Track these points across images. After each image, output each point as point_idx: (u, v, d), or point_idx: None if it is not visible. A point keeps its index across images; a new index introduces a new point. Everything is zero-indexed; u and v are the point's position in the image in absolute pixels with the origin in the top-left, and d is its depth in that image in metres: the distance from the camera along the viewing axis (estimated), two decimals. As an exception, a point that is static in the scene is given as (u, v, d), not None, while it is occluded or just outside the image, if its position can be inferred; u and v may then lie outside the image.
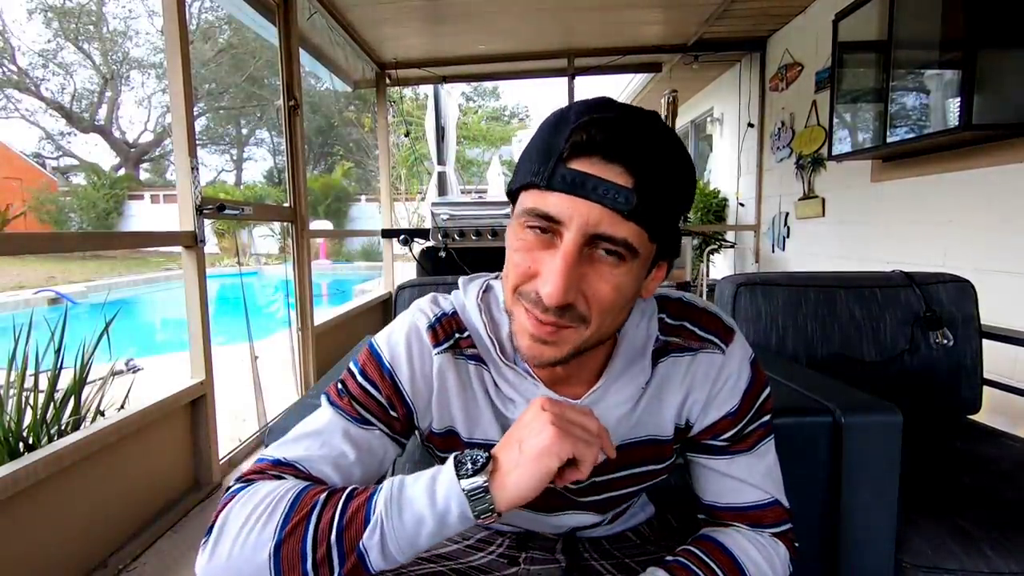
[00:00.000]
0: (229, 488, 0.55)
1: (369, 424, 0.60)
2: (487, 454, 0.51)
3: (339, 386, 0.63)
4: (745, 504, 0.65)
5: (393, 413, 0.61)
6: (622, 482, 0.66)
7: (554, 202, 0.49)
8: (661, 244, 0.53)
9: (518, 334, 0.55)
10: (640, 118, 0.50)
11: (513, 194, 0.55)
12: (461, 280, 0.69)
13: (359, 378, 0.62)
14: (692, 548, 0.63)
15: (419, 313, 0.64)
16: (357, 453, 0.58)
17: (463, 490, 0.49)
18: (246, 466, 0.63)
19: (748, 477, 0.65)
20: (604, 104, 0.51)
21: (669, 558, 0.62)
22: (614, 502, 0.68)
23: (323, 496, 0.51)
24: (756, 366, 0.66)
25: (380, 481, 0.54)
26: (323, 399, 0.63)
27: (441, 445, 0.65)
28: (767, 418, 0.66)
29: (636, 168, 0.47)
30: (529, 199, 0.51)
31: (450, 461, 0.51)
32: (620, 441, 0.63)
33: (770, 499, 0.65)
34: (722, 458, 0.65)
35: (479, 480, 0.49)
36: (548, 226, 0.50)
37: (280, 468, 0.56)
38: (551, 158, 0.49)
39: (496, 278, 0.67)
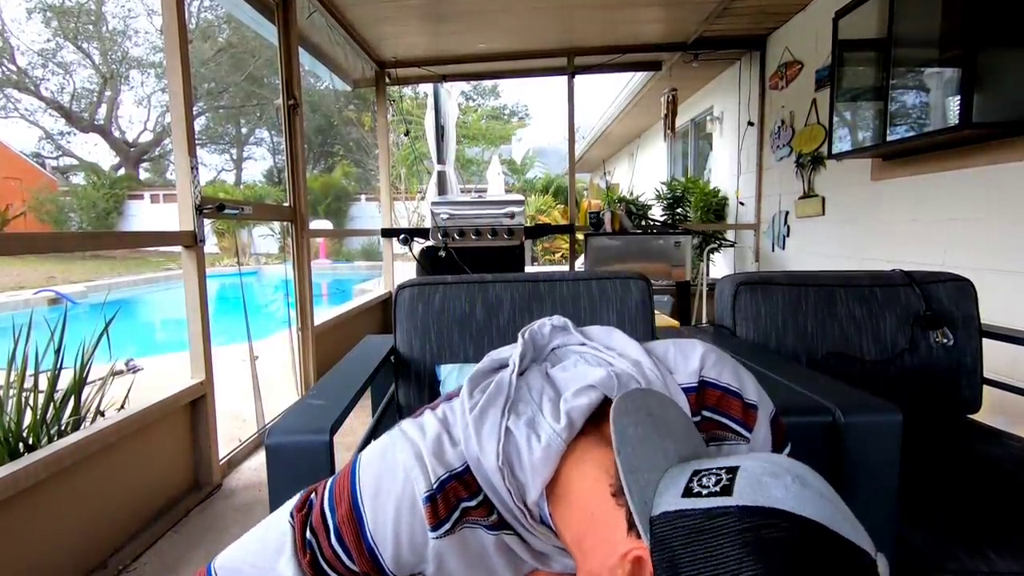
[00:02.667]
0: None
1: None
2: None
3: (308, 534, 0.53)
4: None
5: None
6: None
7: None
8: None
9: None
10: None
11: (630, 524, 0.44)
12: (468, 415, 0.55)
13: (332, 540, 0.52)
14: None
15: (417, 472, 0.52)
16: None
17: None
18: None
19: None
20: None
21: None
22: None
23: None
24: (776, 422, 0.64)
25: None
26: (287, 531, 0.54)
27: None
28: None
29: None
30: None
31: None
32: None
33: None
34: None
35: None
36: None
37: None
38: None
39: (511, 407, 0.56)
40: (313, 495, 0.56)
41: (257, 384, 2.54)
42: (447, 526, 0.51)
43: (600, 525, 0.47)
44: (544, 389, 0.58)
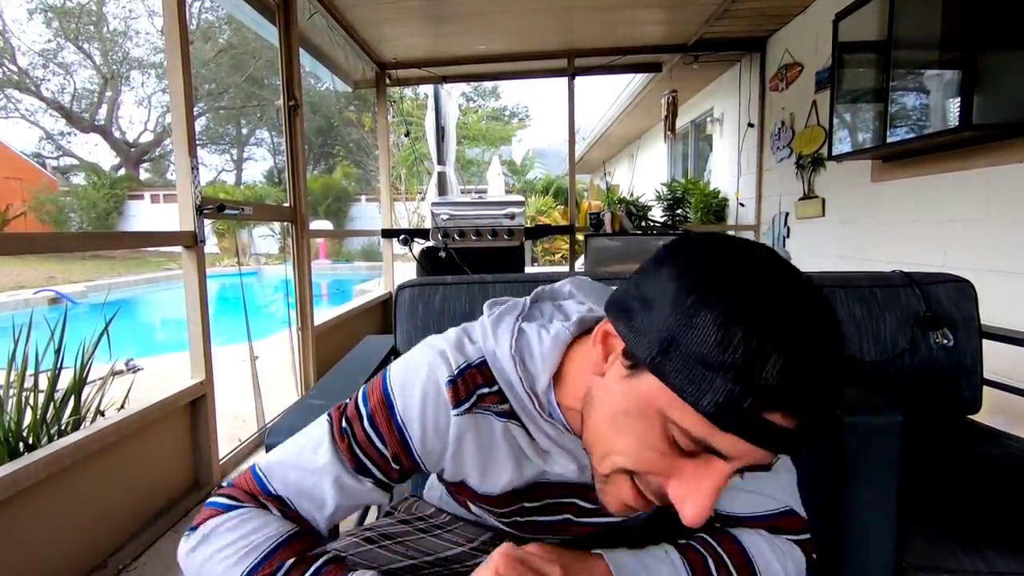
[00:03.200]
0: (221, 489, 0.59)
1: (365, 474, 0.58)
2: None
3: (343, 423, 0.59)
4: (758, 513, 0.64)
5: (395, 466, 0.59)
6: (647, 522, 0.68)
7: (727, 444, 0.43)
8: None
9: (610, 498, 0.52)
10: (838, 345, 0.45)
11: (637, 362, 0.47)
12: (486, 320, 0.61)
13: (366, 424, 0.58)
14: (706, 536, 0.62)
15: (440, 362, 0.58)
16: (342, 501, 0.58)
17: None
18: (246, 467, 0.63)
19: (761, 489, 0.63)
20: (812, 325, 0.43)
21: (682, 541, 0.62)
22: (618, 520, 0.68)
23: (291, 562, 0.54)
24: None
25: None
26: (325, 426, 0.60)
27: (451, 487, 0.66)
28: None
29: (809, 417, 0.43)
30: (692, 422, 0.44)
31: None
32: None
33: (784, 508, 0.64)
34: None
35: None
36: (699, 449, 0.45)
37: (269, 500, 0.58)
38: (741, 404, 0.41)
39: (524, 316, 0.62)
40: (347, 400, 0.62)
41: (257, 384, 2.54)
42: (466, 406, 0.57)
43: (600, 384, 0.52)
44: (555, 313, 0.63)
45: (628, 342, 0.47)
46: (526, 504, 0.64)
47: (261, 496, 0.58)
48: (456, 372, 0.57)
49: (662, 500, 0.48)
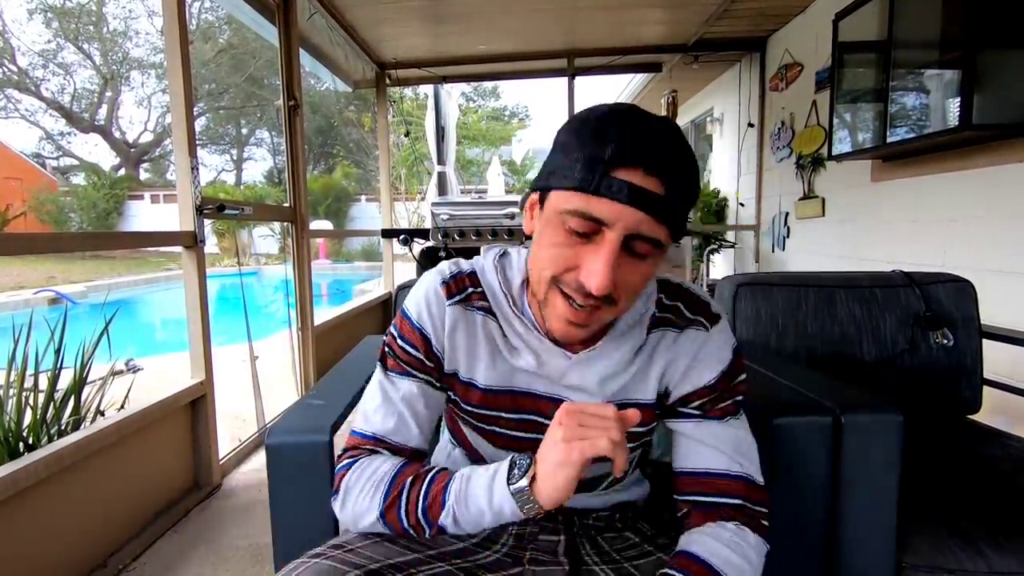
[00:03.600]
0: (339, 457, 0.73)
1: (415, 377, 0.73)
2: (530, 460, 0.61)
3: (386, 351, 0.75)
4: (710, 470, 0.70)
5: (429, 364, 0.73)
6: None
7: (600, 208, 0.56)
8: (676, 235, 0.62)
9: (552, 318, 0.64)
10: (668, 132, 0.58)
11: (545, 189, 0.62)
12: (482, 248, 0.78)
13: (399, 340, 0.73)
14: (668, 572, 0.64)
15: (436, 273, 0.75)
16: (417, 409, 0.73)
17: (512, 494, 0.60)
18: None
19: (715, 443, 0.70)
20: (629, 114, 0.58)
21: None
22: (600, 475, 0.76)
23: (409, 480, 0.67)
24: (737, 353, 0.73)
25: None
26: (377, 367, 0.75)
27: (450, 384, 0.75)
28: (740, 398, 0.73)
29: (668, 180, 0.56)
30: (572, 201, 0.57)
31: (505, 465, 0.63)
32: (610, 398, 0.70)
33: (739, 472, 0.69)
34: (691, 422, 0.72)
35: (523, 484, 0.60)
36: (590, 227, 0.57)
37: (375, 443, 0.73)
38: (596, 167, 0.56)
39: (511, 247, 0.77)
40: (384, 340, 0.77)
41: (257, 384, 2.54)
42: (457, 298, 0.72)
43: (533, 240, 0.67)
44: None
45: (535, 187, 0.64)
46: (503, 415, 0.73)
47: (367, 445, 0.72)
48: (448, 276, 0.74)
49: (583, 294, 0.59)
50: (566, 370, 0.69)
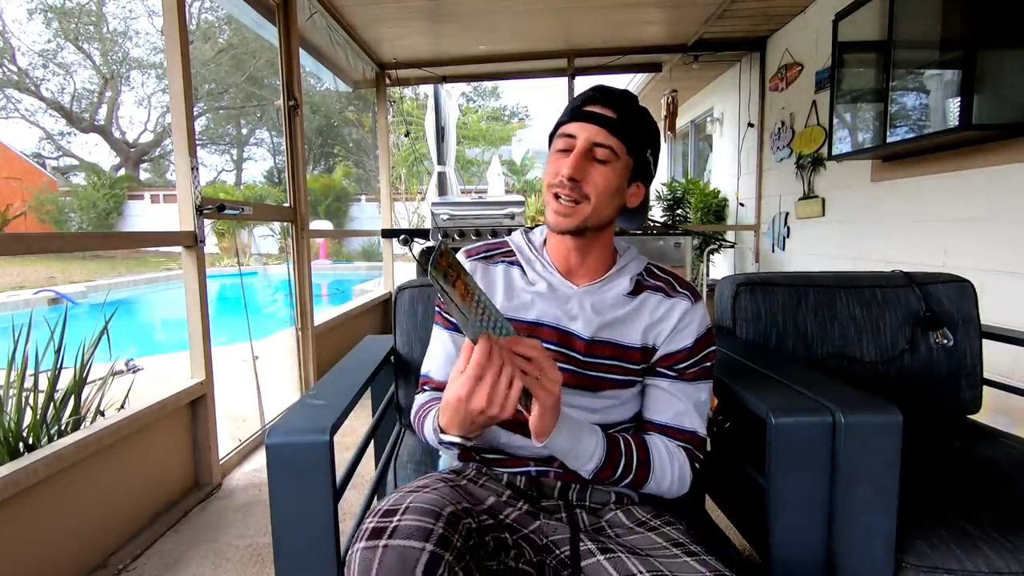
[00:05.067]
0: (418, 394, 0.97)
1: (448, 328, 0.95)
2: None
3: (437, 309, 0.99)
4: (668, 423, 0.88)
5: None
6: (600, 366, 0.88)
7: (573, 127, 0.85)
8: (636, 161, 0.86)
9: (549, 214, 0.86)
10: (627, 93, 0.86)
11: (551, 138, 0.90)
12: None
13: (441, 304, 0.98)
14: (625, 435, 0.86)
15: (465, 248, 0.98)
16: (450, 352, 0.95)
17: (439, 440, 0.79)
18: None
19: (681, 397, 0.89)
20: (608, 86, 0.87)
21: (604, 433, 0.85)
22: (599, 383, 0.88)
23: (426, 411, 0.88)
24: (710, 330, 0.92)
25: None
26: (435, 325, 0.99)
27: None
28: (709, 365, 0.91)
29: (618, 109, 0.84)
30: (560, 130, 0.87)
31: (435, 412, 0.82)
32: (598, 331, 0.87)
33: (689, 428, 0.88)
34: (666, 380, 0.90)
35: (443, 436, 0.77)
36: (568, 144, 0.84)
37: (425, 380, 0.97)
38: (573, 107, 0.86)
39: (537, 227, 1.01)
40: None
41: (258, 384, 2.54)
42: (476, 257, 0.96)
43: None
44: None
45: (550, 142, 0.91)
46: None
47: (423, 382, 0.98)
48: (471, 246, 0.97)
49: (563, 186, 0.83)
50: (570, 297, 0.89)
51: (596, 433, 0.81)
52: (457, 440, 0.74)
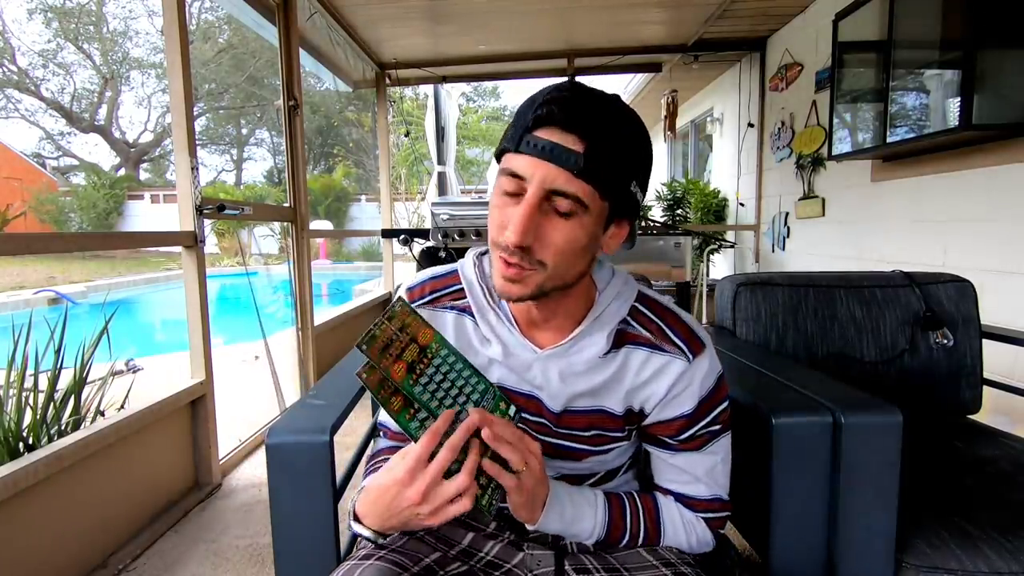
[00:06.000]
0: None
1: None
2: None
3: None
4: (680, 492, 0.75)
5: None
6: (577, 437, 0.73)
7: (520, 163, 0.59)
8: (614, 202, 0.62)
9: (494, 276, 0.65)
10: (596, 97, 0.60)
11: (498, 159, 0.65)
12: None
13: None
14: (634, 491, 0.76)
15: (407, 281, 0.80)
16: None
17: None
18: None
19: (690, 469, 0.73)
20: (567, 86, 0.61)
21: (611, 492, 0.75)
22: (580, 453, 0.74)
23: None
24: (721, 380, 0.73)
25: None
26: None
27: None
28: (719, 427, 0.73)
29: (587, 136, 0.57)
30: (504, 161, 0.62)
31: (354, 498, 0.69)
32: (570, 403, 0.71)
33: (705, 497, 0.74)
34: (665, 451, 0.74)
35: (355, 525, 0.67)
36: (515, 186, 0.60)
37: (381, 429, 0.85)
38: (519, 128, 0.60)
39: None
40: None
41: (258, 384, 2.54)
42: (420, 301, 0.75)
43: None
44: None
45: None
46: None
47: (387, 433, 0.83)
48: (415, 283, 0.77)
49: (508, 251, 0.61)
50: (531, 363, 0.70)
51: (595, 505, 0.71)
52: (367, 534, 0.64)
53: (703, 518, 0.74)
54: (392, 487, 0.58)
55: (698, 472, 0.73)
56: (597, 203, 0.60)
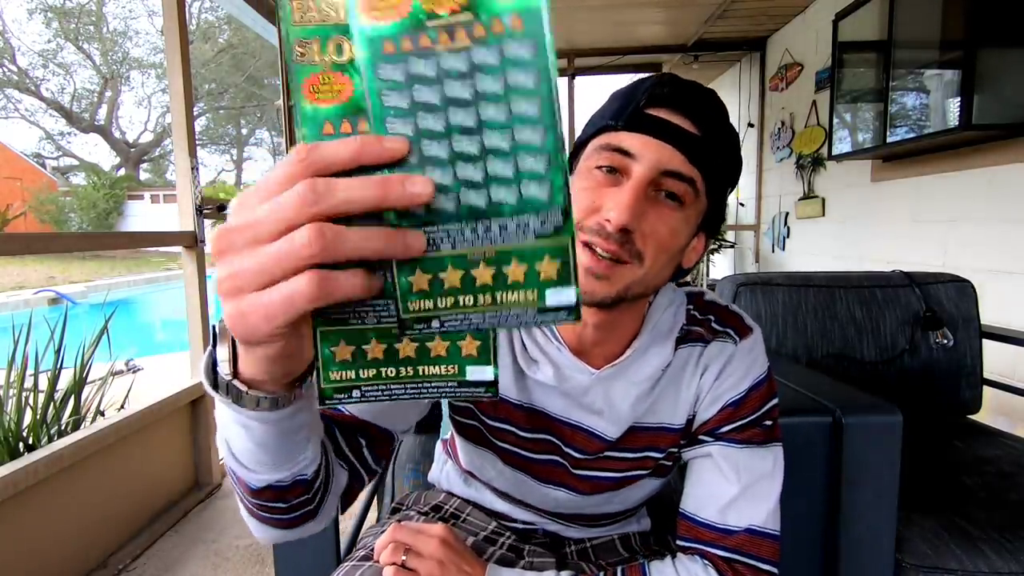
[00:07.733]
0: None
1: None
2: None
3: None
4: (708, 522, 0.61)
5: None
6: (620, 463, 0.65)
7: (630, 141, 0.53)
8: (711, 204, 0.57)
9: (579, 268, 0.53)
10: (704, 89, 0.56)
11: (581, 145, 0.58)
12: None
13: None
14: (616, 568, 0.62)
15: None
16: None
17: None
18: None
19: (729, 472, 0.61)
20: (679, 78, 0.57)
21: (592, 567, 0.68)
22: (608, 484, 0.66)
23: None
24: (770, 374, 0.65)
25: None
26: None
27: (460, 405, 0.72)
28: (770, 424, 0.63)
29: (702, 122, 0.53)
30: (602, 140, 0.55)
31: None
32: (633, 423, 0.63)
33: (737, 528, 0.59)
34: (705, 446, 0.63)
35: None
36: (618, 163, 0.53)
37: None
38: (628, 105, 0.54)
39: None
40: None
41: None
42: None
43: None
44: None
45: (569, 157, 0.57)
46: (518, 432, 0.65)
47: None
48: None
49: (604, 236, 0.51)
50: (588, 387, 0.61)
51: None
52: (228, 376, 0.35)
53: (721, 557, 0.59)
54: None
55: (740, 484, 0.60)
56: (701, 198, 0.55)
